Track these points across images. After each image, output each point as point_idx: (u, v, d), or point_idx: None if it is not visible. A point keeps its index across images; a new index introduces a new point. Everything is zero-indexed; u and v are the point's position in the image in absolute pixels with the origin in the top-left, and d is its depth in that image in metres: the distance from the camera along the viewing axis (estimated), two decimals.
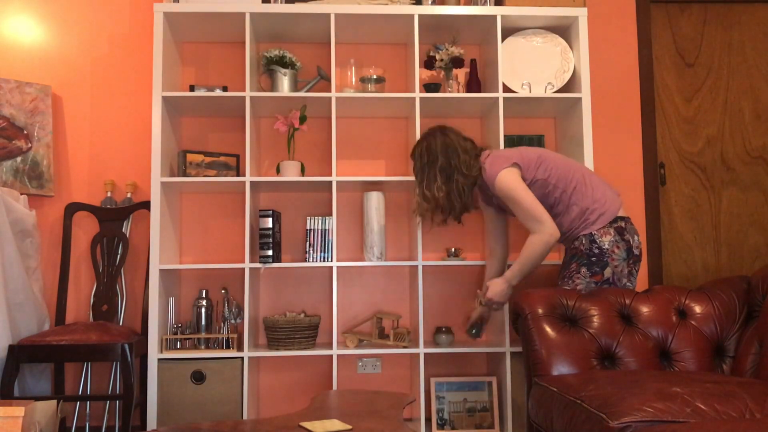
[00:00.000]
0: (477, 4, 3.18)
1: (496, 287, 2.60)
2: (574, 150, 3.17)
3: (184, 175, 3.02)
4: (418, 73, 3.06)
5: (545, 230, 2.46)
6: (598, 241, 2.49)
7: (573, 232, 2.56)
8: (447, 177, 2.60)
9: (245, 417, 2.83)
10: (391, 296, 3.31)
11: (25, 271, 2.84)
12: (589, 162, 3.04)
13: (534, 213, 2.47)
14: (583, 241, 2.52)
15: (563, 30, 3.22)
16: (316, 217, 3.04)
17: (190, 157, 3.04)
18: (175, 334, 2.94)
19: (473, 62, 3.23)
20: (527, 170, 2.54)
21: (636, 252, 2.51)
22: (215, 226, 3.28)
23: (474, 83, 3.19)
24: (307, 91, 3.12)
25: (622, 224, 2.51)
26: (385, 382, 3.27)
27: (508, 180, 2.50)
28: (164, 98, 2.95)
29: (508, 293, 2.61)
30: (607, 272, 2.49)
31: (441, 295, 3.33)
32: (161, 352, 2.86)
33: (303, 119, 3.08)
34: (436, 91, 3.14)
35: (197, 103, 3.08)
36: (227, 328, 2.97)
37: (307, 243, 3.02)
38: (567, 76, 3.14)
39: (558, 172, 2.55)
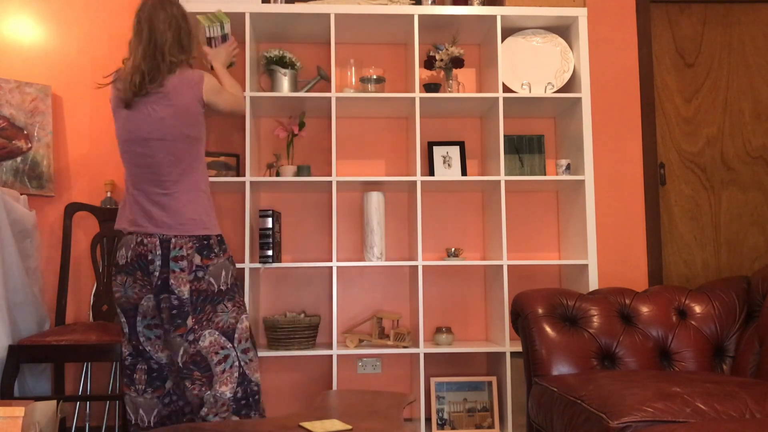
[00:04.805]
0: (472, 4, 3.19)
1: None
2: (574, 150, 3.17)
3: None
4: (418, 73, 3.06)
5: None
6: None
7: None
8: None
9: None
10: (391, 296, 3.31)
11: (25, 271, 2.84)
12: (589, 162, 3.04)
13: None
14: None
15: (563, 30, 3.22)
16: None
17: None
18: None
19: None
20: None
21: (120, 261, 2.28)
22: None
23: None
24: (307, 91, 3.12)
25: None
26: (385, 382, 3.26)
27: None
28: None
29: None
30: None
31: (441, 295, 3.32)
32: None
33: (302, 125, 3.10)
34: (436, 91, 3.14)
35: None
36: None
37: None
38: (567, 76, 3.14)
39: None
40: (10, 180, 3.06)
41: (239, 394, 2.22)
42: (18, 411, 2.06)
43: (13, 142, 3.09)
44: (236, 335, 2.25)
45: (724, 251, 3.47)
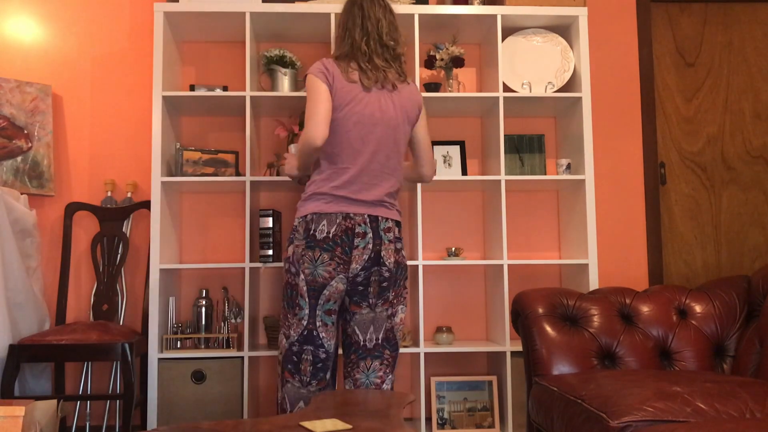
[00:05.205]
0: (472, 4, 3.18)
1: (290, 160, 2.41)
2: (574, 149, 3.17)
3: (181, 172, 3.02)
4: (419, 73, 3.05)
5: (306, 130, 2.16)
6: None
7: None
8: None
9: (245, 417, 2.84)
10: None
11: (26, 271, 2.84)
12: (589, 161, 3.04)
13: (308, 112, 2.19)
14: None
15: (563, 29, 3.22)
16: None
17: (186, 154, 3.03)
18: (176, 333, 2.94)
19: None
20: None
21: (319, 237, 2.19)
22: (215, 225, 3.28)
23: None
24: None
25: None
26: None
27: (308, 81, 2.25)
28: (164, 98, 2.95)
29: (294, 172, 2.39)
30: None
31: (441, 294, 3.32)
32: (161, 351, 2.86)
33: (302, 125, 3.09)
34: (437, 90, 3.14)
35: (197, 103, 3.08)
36: (227, 327, 2.97)
37: None
38: (567, 76, 3.14)
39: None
40: (11, 179, 3.06)
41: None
42: (18, 410, 2.06)
43: (14, 141, 3.09)
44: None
45: (725, 251, 3.47)
